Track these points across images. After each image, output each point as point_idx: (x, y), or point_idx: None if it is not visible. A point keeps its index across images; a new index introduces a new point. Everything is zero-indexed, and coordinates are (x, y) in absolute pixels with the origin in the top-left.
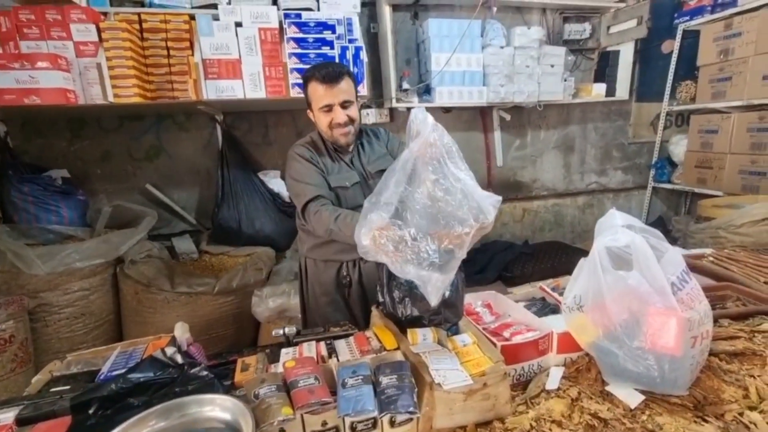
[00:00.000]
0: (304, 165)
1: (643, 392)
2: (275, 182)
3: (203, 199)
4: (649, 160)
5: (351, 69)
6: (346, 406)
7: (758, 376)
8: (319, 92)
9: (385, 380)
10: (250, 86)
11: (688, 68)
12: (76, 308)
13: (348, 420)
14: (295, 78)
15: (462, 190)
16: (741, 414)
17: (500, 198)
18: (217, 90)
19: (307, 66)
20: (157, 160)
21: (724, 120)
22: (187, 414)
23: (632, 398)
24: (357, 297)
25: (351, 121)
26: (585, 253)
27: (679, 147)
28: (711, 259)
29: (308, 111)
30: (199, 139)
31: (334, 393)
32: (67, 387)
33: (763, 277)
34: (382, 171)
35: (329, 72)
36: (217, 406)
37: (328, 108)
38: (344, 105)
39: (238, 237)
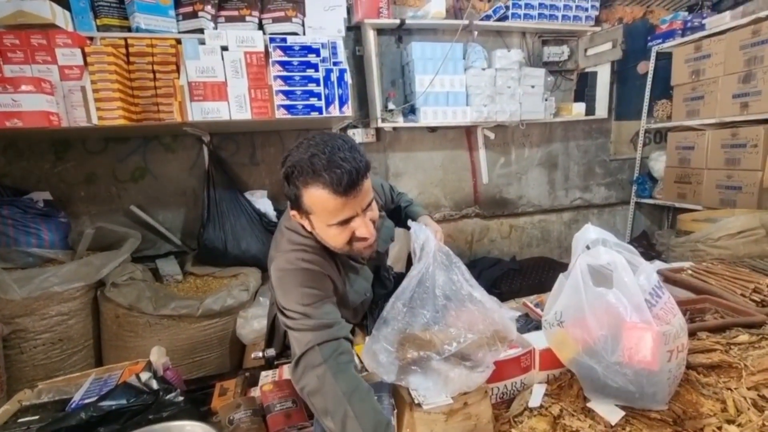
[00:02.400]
0: (316, 300)
1: (623, 408)
2: (262, 202)
3: (189, 220)
4: (631, 176)
5: (335, 92)
6: (321, 430)
7: (735, 388)
8: (330, 206)
9: None
10: (235, 108)
11: (664, 88)
12: (53, 334)
13: None
14: (280, 100)
15: (480, 312)
16: (719, 428)
17: (517, 313)
18: (203, 111)
19: (291, 90)
20: (142, 181)
21: (699, 137)
22: None
23: (613, 414)
24: None
25: (373, 224)
26: None
27: (659, 163)
28: (690, 272)
29: (295, 214)
30: (185, 160)
31: (312, 416)
32: (36, 417)
33: (740, 290)
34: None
35: (349, 176)
36: None
37: (347, 221)
38: (366, 208)
39: (224, 257)
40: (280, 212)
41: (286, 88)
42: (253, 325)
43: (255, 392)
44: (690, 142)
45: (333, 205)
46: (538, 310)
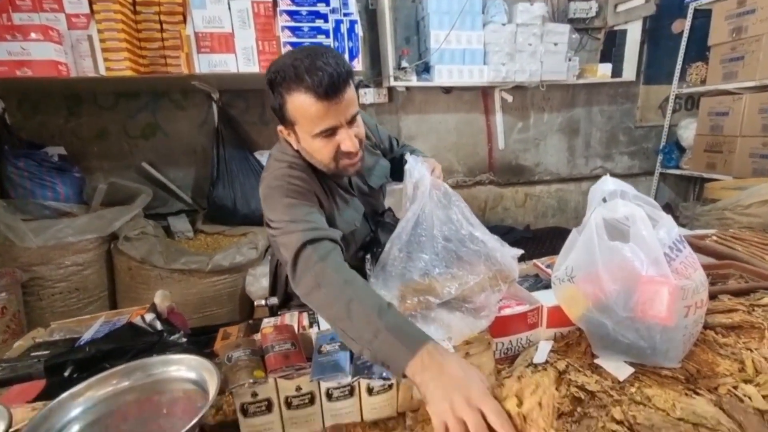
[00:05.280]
0: (301, 206)
1: (633, 365)
2: None
3: (199, 179)
4: (657, 145)
5: (345, 44)
6: (320, 370)
7: (755, 349)
8: (312, 111)
9: None
10: (243, 60)
11: (699, 49)
12: (70, 283)
13: (323, 386)
14: None
15: (482, 252)
16: (735, 387)
17: (520, 251)
18: (210, 64)
19: (299, 42)
20: (153, 138)
21: (735, 101)
22: (152, 374)
23: (621, 370)
24: None
25: (360, 142)
26: None
27: (688, 131)
28: (714, 238)
29: (282, 129)
30: (195, 117)
31: (310, 358)
32: (47, 352)
33: None
34: (383, 185)
35: (330, 78)
36: (183, 366)
37: (331, 132)
38: (351, 122)
39: (234, 216)
40: None
41: (295, 39)
42: (261, 282)
43: (256, 337)
44: (725, 107)
45: (315, 111)
46: (548, 271)
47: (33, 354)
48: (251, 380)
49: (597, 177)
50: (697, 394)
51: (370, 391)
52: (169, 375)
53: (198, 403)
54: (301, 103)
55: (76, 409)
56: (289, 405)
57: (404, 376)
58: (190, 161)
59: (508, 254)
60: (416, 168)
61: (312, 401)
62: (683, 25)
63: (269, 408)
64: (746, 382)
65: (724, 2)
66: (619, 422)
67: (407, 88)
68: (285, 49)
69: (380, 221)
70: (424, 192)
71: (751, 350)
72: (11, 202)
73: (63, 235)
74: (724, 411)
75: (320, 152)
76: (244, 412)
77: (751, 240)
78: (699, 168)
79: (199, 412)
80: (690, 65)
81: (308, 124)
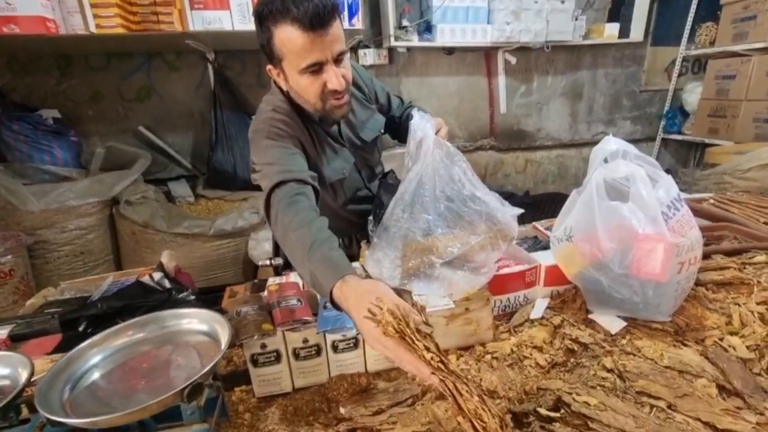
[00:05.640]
0: (279, 148)
1: (625, 319)
2: None
3: (198, 143)
4: (661, 110)
5: (344, 0)
6: (325, 323)
7: (744, 303)
8: (298, 44)
9: None
10: (238, 17)
11: (710, 8)
12: (74, 247)
13: (329, 338)
14: None
15: (483, 212)
16: (721, 339)
17: (520, 210)
18: (204, 21)
19: None
20: (148, 101)
21: (743, 64)
22: (166, 326)
23: (614, 324)
24: None
25: (347, 82)
26: None
27: (693, 95)
28: (711, 201)
29: (270, 68)
30: (190, 79)
31: (317, 315)
32: (60, 309)
33: (763, 218)
34: (376, 138)
35: (315, 9)
36: (194, 318)
37: (318, 68)
38: (338, 59)
39: (234, 181)
40: None
41: None
42: (264, 246)
43: (263, 294)
44: (732, 70)
45: (301, 43)
46: (547, 233)
47: (47, 311)
48: (260, 333)
49: (598, 143)
50: (685, 345)
51: None
52: (182, 327)
53: (211, 353)
54: (287, 35)
55: (95, 357)
56: (296, 356)
57: None
58: (188, 125)
59: (508, 213)
60: (420, 126)
61: (318, 353)
62: None
63: (278, 359)
64: (732, 334)
65: None
66: (610, 370)
67: (408, 49)
68: None
69: (383, 182)
70: (426, 151)
71: (739, 305)
72: (9, 166)
73: (64, 198)
74: (708, 360)
75: (307, 90)
76: (254, 362)
77: (747, 203)
78: (701, 133)
79: (212, 360)
80: (700, 26)
81: (295, 58)
